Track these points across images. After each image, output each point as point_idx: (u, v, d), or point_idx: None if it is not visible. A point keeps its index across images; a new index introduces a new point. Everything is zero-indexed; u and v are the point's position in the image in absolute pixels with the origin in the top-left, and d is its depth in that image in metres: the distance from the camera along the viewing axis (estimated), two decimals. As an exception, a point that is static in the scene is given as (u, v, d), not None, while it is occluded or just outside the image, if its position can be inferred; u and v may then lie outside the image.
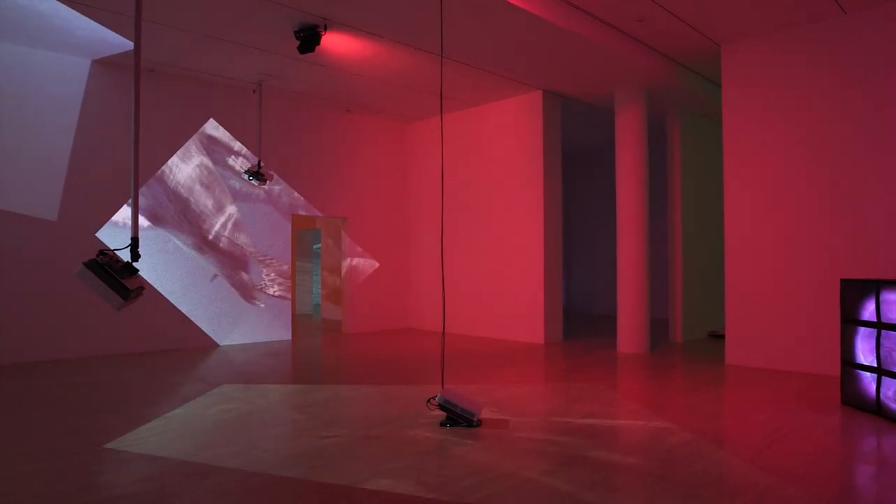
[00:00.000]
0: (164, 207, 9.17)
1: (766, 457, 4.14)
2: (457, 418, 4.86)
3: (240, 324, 9.94)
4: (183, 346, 9.29)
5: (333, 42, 7.70)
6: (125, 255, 3.62)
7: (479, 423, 4.91)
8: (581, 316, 14.88)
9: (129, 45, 7.79)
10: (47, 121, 8.22)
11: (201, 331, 9.51)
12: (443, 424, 4.89)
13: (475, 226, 10.97)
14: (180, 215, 9.34)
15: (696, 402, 5.94)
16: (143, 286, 3.68)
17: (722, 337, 9.97)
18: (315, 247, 14.85)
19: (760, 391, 6.42)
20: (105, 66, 8.61)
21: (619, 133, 9.44)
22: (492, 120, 10.81)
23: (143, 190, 8.89)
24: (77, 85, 8.45)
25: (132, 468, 3.98)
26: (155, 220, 9.08)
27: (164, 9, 6.78)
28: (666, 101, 10.01)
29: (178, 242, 9.30)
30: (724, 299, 8.19)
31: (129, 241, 3.71)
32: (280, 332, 10.42)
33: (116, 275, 3.39)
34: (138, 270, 3.62)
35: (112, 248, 3.57)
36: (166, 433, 4.75)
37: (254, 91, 9.77)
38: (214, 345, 9.61)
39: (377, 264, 11.90)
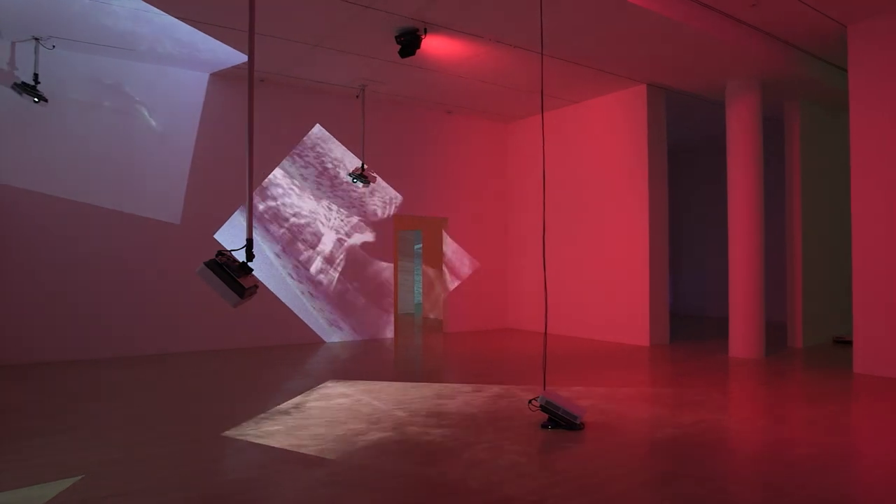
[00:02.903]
0: (274, 209, 9.67)
1: (903, 476, 3.77)
2: (559, 420, 4.78)
3: (344, 322, 10.29)
4: (291, 343, 9.75)
5: (433, 45, 7.81)
6: (241, 256, 3.83)
7: (582, 427, 4.80)
8: (689, 318, 14.23)
9: (242, 57, 8.28)
10: (172, 132, 8.90)
11: (309, 328, 9.95)
12: (544, 426, 4.82)
13: (577, 225, 10.76)
14: (289, 217, 9.80)
15: (819, 413, 5.51)
16: (257, 285, 3.89)
17: (849, 343, 9.18)
18: (416, 247, 15.12)
19: (895, 403, 5.86)
20: (221, 78, 9.20)
21: (732, 126, 8.93)
22: (594, 116, 10.56)
23: (255, 192, 9.41)
24: (197, 97, 9.08)
25: (248, 456, 4.22)
26: (267, 221, 9.59)
27: (273, 22, 7.14)
28: (784, 91, 9.36)
29: (286, 243, 9.77)
30: (852, 302, 7.54)
31: (244, 243, 3.92)
32: (383, 331, 10.70)
33: (233, 274, 3.59)
34: (253, 270, 3.82)
35: (229, 249, 3.78)
36: (277, 425, 4.99)
37: (357, 96, 10.09)
38: (321, 342, 10.01)
39: (478, 264, 11.95)
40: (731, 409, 5.67)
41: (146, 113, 8.70)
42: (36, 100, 7.58)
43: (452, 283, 11.65)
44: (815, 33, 7.87)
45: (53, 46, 7.82)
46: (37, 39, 7.66)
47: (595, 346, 9.58)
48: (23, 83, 7.50)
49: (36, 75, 7.62)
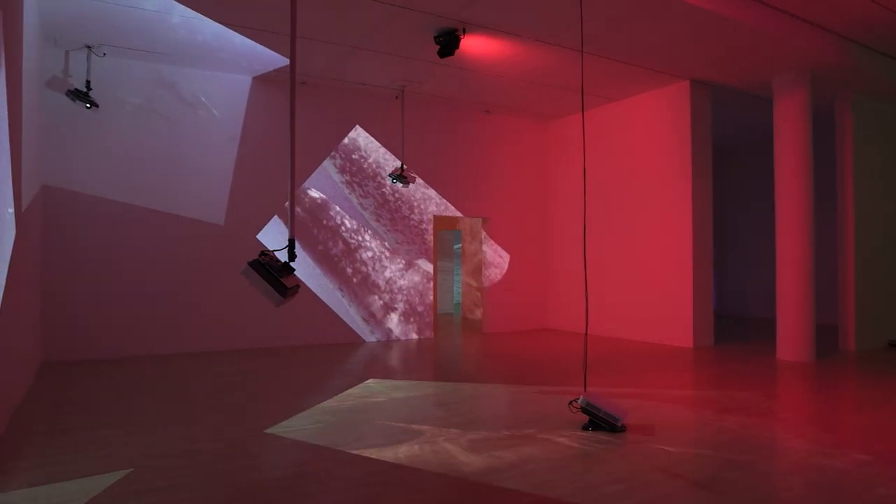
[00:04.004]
0: (316, 208, 9.81)
1: (965, 485, 3.59)
2: (599, 422, 4.72)
3: (384, 321, 10.37)
4: (332, 342, 9.86)
5: (472, 44, 7.80)
6: (283, 256, 3.89)
7: (623, 429, 4.73)
8: (734, 319, 13.88)
9: (283, 61, 8.42)
10: (216, 134, 9.10)
11: (349, 327, 10.05)
12: (585, 428, 4.77)
13: (619, 224, 10.60)
14: (330, 217, 9.93)
15: (873, 419, 5.30)
16: (299, 284, 3.94)
17: (905, 346, 8.84)
18: (456, 247, 15.13)
19: (955, 409, 5.60)
20: (263, 81, 9.36)
21: (779, 122, 8.67)
22: (636, 114, 10.39)
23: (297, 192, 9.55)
24: (240, 100, 9.27)
25: (289, 453, 4.28)
26: (308, 221, 9.74)
27: (313, 25, 7.24)
28: (835, 84, 9.04)
29: (327, 244, 9.90)
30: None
31: (286, 243, 3.97)
32: (422, 331, 10.74)
33: (276, 273, 3.65)
34: (295, 270, 3.87)
35: (271, 249, 3.84)
36: (318, 422, 5.06)
37: (396, 97, 10.15)
38: (361, 341, 10.10)
39: (517, 264, 11.88)
40: (780, 413, 5.50)
41: (191, 117, 8.92)
42: (88, 105, 7.85)
43: (491, 284, 11.62)
44: (870, 23, 7.56)
45: (104, 54, 8.08)
46: (89, 48, 7.94)
47: (637, 348, 9.43)
48: (76, 90, 7.78)
49: (88, 82, 7.90)
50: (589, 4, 6.32)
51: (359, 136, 10.19)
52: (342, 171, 10.04)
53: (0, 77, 4.28)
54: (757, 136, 13.07)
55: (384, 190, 10.40)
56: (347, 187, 10.09)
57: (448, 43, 7.39)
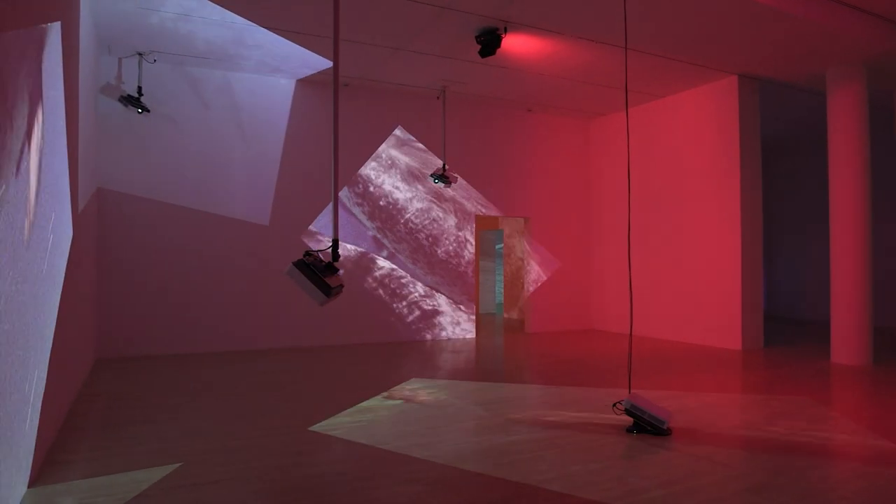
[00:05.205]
0: (361, 210, 9.91)
1: None
2: (644, 425, 4.64)
3: (427, 321, 10.41)
4: (377, 341, 9.95)
5: (514, 43, 7.76)
6: (326, 256, 3.94)
7: (669, 432, 4.64)
8: (785, 320, 13.45)
9: (326, 63, 8.53)
10: (261, 137, 9.29)
11: (393, 327, 10.12)
12: (629, 430, 4.69)
13: (664, 223, 10.40)
14: (373, 217, 10.02)
15: (935, 425, 5.07)
16: (343, 284, 3.98)
17: (970, 350, 8.41)
18: (497, 247, 15.09)
19: None
20: (306, 84, 9.51)
21: (833, 116, 8.36)
22: (682, 111, 10.17)
23: (341, 194, 9.67)
24: (284, 103, 9.44)
25: (332, 451, 4.34)
26: (355, 221, 9.85)
27: (355, 27, 7.32)
28: (893, 76, 8.67)
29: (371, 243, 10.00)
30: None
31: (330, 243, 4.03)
32: (465, 331, 10.74)
33: (320, 273, 3.70)
34: (339, 270, 3.92)
35: (316, 250, 3.89)
36: (362, 421, 5.11)
37: (438, 97, 10.18)
38: (405, 340, 10.16)
39: (560, 264, 11.78)
40: (833, 418, 5.30)
41: (237, 120, 9.13)
42: (139, 111, 8.11)
43: (534, 284, 11.54)
44: (930, 13, 7.26)
45: (155, 60, 8.33)
46: (140, 55, 8.20)
47: (683, 349, 9.23)
48: (128, 95, 8.04)
49: (139, 88, 8.16)
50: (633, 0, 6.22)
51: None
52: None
53: (58, 85, 4.46)
54: (808, 130, 12.63)
55: (434, 190, 10.45)
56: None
57: (489, 42, 7.37)
